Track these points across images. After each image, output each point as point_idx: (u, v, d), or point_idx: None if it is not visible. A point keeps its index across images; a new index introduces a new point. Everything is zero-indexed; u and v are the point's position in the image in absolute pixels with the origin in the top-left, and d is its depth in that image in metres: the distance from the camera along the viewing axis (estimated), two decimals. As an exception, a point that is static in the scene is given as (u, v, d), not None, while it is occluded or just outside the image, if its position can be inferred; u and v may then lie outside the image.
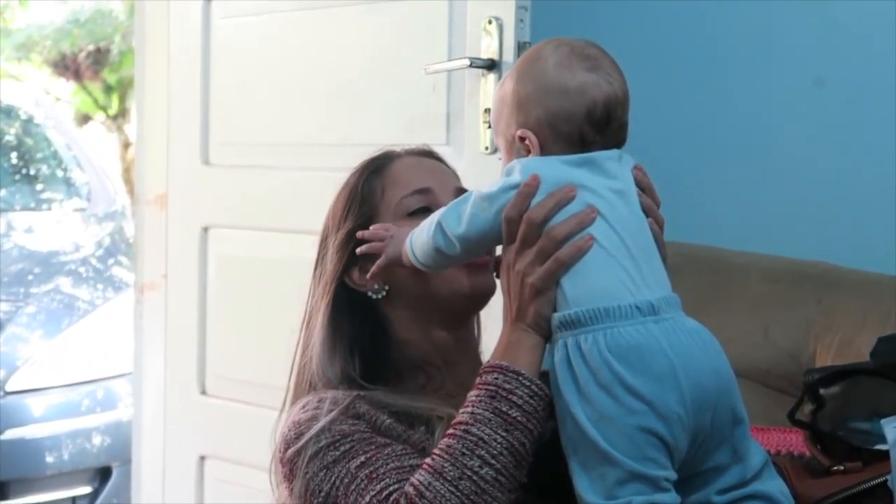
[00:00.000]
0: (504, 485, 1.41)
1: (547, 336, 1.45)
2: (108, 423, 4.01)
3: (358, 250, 1.61)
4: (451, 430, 1.43)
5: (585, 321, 1.40)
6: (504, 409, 1.42)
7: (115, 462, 3.96)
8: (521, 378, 1.43)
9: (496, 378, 1.44)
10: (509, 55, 2.30)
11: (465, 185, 2.14)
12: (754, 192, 2.70)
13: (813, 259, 2.39)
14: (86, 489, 3.98)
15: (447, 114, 2.41)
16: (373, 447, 1.50)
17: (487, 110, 2.32)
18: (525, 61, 1.51)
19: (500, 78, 2.31)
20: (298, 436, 1.54)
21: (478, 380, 1.46)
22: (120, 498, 3.85)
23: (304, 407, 1.60)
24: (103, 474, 4.00)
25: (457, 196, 1.64)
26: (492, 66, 2.31)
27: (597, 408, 1.38)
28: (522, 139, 1.48)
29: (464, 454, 1.40)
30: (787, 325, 2.23)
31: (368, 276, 1.62)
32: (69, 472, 3.93)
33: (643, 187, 1.49)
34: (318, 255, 1.71)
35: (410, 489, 1.41)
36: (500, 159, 1.55)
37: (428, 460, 1.43)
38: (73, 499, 3.96)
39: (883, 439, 1.64)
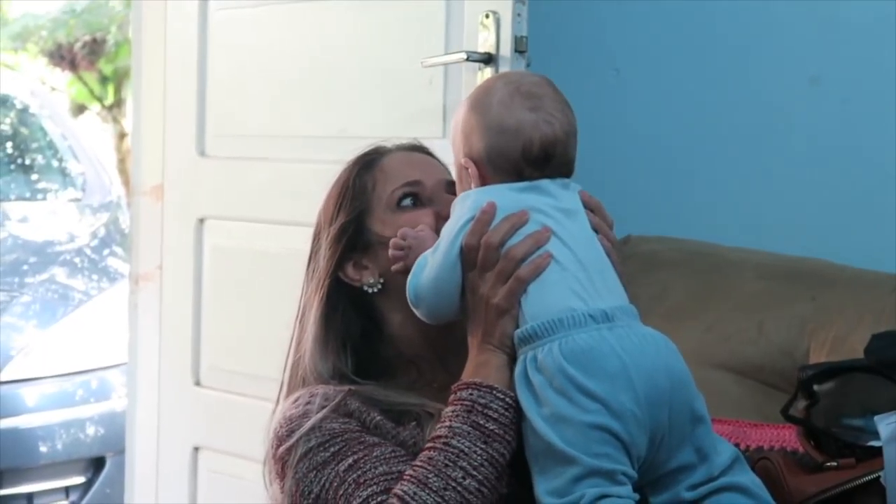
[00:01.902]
0: (486, 496, 1.43)
1: (513, 355, 1.48)
2: (102, 414, 4.01)
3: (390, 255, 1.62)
4: (429, 444, 1.46)
5: (542, 334, 1.44)
6: (481, 422, 1.45)
7: (109, 452, 3.96)
8: (494, 392, 1.46)
9: (471, 394, 1.46)
10: (506, 49, 2.30)
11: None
12: (750, 189, 2.70)
13: (808, 256, 2.39)
14: (79, 479, 3.98)
15: (444, 107, 2.41)
16: (362, 448, 1.51)
17: (484, 104, 2.32)
18: (477, 92, 1.56)
19: (496, 72, 2.31)
20: (290, 433, 1.56)
21: (452, 397, 1.48)
22: (113, 488, 3.85)
23: (295, 402, 1.60)
24: (97, 464, 4.00)
25: (446, 189, 1.68)
26: (489, 60, 2.31)
27: (553, 410, 1.41)
28: (465, 168, 1.53)
29: (447, 465, 1.43)
30: (781, 321, 2.23)
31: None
32: (63, 462, 3.93)
33: (592, 208, 1.53)
34: (312, 250, 1.72)
35: (394, 500, 1.43)
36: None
37: (409, 471, 1.44)
38: (67, 489, 3.96)
39: (876, 436, 1.64)
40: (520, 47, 2.29)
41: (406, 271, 1.57)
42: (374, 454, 1.50)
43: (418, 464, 1.44)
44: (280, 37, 2.76)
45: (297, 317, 1.72)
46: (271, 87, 2.78)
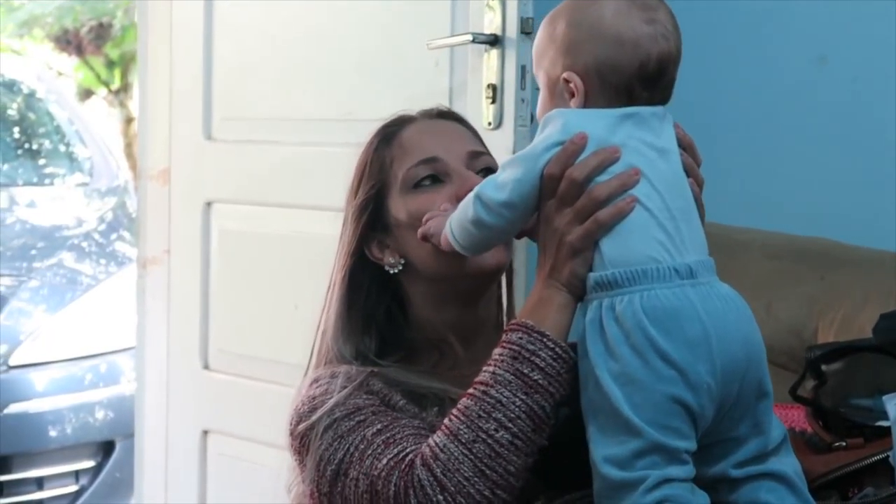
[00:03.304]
0: (521, 448, 1.38)
1: (580, 296, 1.41)
2: (110, 398, 4.02)
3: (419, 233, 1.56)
4: (470, 390, 1.41)
5: (622, 283, 1.36)
6: (525, 370, 1.39)
7: (118, 436, 3.97)
8: (545, 339, 1.40)
9: (520, 338, 1.41)
10: (512, 31, 2.30)
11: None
12: (757, 169, 2.69)
13: (816, 236, 2.38)
14: (89, 463, 3.99)
15: (450, 89, 2.41)
16: (388, 418, 1.49)
17: (490, 86, 2.31)
18: (580, 3, 1.44)
19: (502, 53, 2.30)
20: (312, 410, 1.54)
21: (503, 336, 1.43)
22: (123, 472, 3.86)
23: (317, 381, 1.59)
24: (106, 448, 4.01)
25: (468, 160, 1.64)
26: (494, 41, 2.31)
27: (626, 370, 1.34)
28: (567, 82, 1.42)
29: (480, 416, 1.38)
30: (789, 301, 2.23)
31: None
32: (72, 446, 3.94)
33: (684, 146, 1.45)
34: (342, 227, 1.69)
35: (426, 450, 1.40)
36: (538, 89, 1.48)
37: (446, 421, 1.41)
38: (76, 473, 3.97)
39: (885, 415, 1.64)
40: (526, 28, 2.28)
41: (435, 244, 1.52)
42: (402, 422, 1.49)
43: (454, 413, 1.41)
44: (286, 20, 2.76)
45: (327, 293, 1.68)
46: (277, 70, 2.78)
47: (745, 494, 1.41)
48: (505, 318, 1.73)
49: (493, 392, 1.39)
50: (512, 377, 1.39)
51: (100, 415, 4.00)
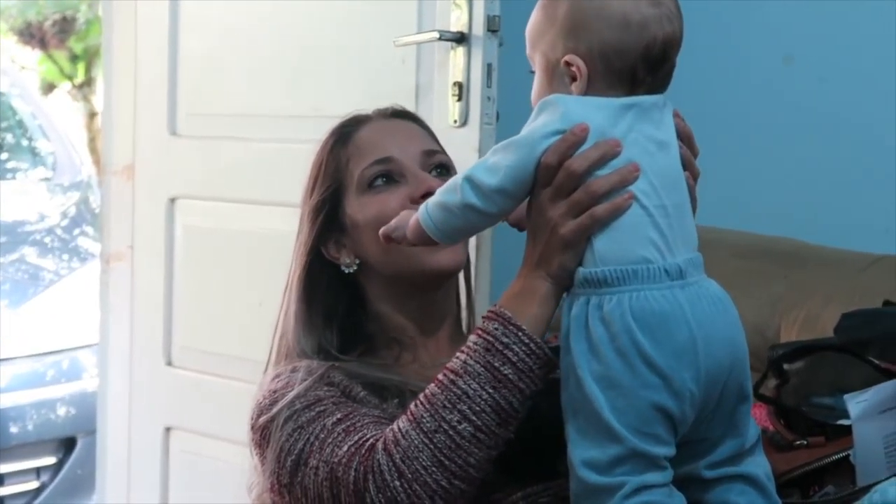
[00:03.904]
0: (483, 442, 1.37)
1: (566, 287, 1.38)
2: (73, 394, 3.99)
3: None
4: (440, 376, 1.40)
5: (612, 281, 1.33)
6: (497, 364, 1.37)
7: (80, 433, 3.94)
8: (520, 333, 1.37)
9: (496, 328, 1.38)
10: (479, 28, 2.29)
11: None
12: (724, 168, 2.70)
13: (782, 236, 2.40)
14: (50, 460, 3.96)
15: (416, 86, 2.41)
16: (349, 408, 1.49)
17: (456, 83, 2.31)
18: None
19: (469, 51, 2.30)
20: (273, 403, 1.53)
21: (480, 323, 1.41)
22: (84, 469, 3.84)
23: (278, 376, 1.59)
24: (68, 445, 3.99)
25: (422, 159, 1.64)
26: (461, 39, 2.30)
27: (609, 373, 1.32)
28: (569, 65, 1.37)
29: (444, 406, 1.37)
30: (754, 300, 2.23)
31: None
32: (33, 442, 3.92)
33: (683, 137, 1.42)
34: (299, 225, 1.70)
35: (389, 434, 1.39)
36: (532, 72, 1.44)
37: (412, 406, 1.41)
38: (38, 469, 3.95)
39: (846, 414, 1.65)
40: (492, 27, 2.28)
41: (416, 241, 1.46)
42: (362, 411, 1.48)
43: (421, 399, 1.40)
44: (252, 15, 2.74)
45: (285, 292, 1.69)
46: (243, 65, 2.77)
47: (716, 496, 1.40)
48: (465, 313, 1.74)
49: (460, 382, 1.38)
50: (482, 369, 1.37)
51: (61, 411, 3.97)
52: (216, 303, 2.83)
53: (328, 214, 1.65)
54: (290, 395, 1.52)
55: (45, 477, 3.96)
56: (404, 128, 1.71)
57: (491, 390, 1.37)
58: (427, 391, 1.40)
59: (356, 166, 1.64)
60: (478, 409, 1.37)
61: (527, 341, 1.38)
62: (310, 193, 1.67)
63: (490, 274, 2.25)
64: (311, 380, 1.54)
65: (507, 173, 1.36)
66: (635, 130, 1.37)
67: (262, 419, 1.54)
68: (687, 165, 1.42)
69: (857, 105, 2.54)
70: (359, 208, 1.63)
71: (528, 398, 1.39)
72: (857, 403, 1.63)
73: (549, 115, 1.37)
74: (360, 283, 1.66)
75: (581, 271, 1.36)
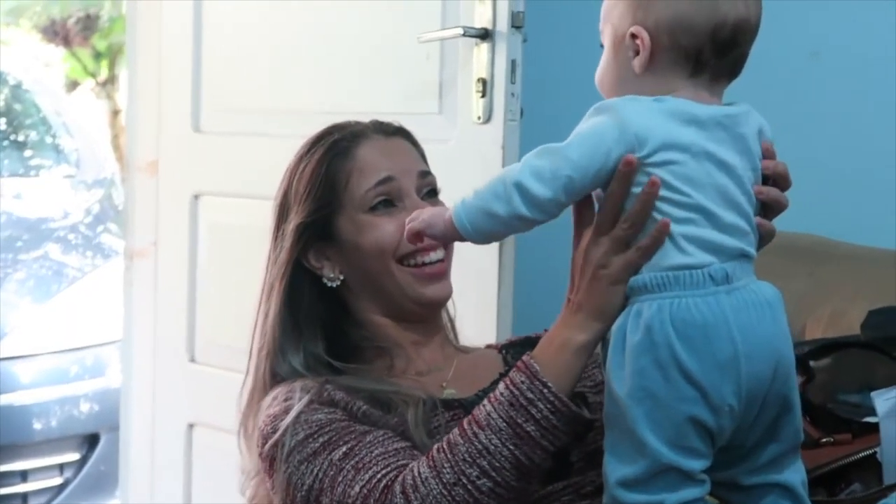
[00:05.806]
0: (501, 496, 1.36)
1: (612, 322, 1.34)
2: (96, 391, 4.00)
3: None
4: (465, 425, 1.38)
5: (651, 287, 1.31)
6: (520, 420, 1.35)
7: (103, 429, 3.96)
8: (545, 390, 1.35)
9: (522, 382, 1.36)
10: (503, 24, 2.29)
11: (458, 154, 2.14)
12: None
13: (806, 232, 2.38)
14: (74, 456, 3.98)
15: (440, 83, 2.40)
16: (353, 436, 1.47)
17: (480, 80, 2.31)
18: None
19: (493, 47, 2.30)
20: (275, 429, 1.52)
21: (510, 372, 1.38)
22: (108, 465, 3.85)
23: (275, 398, 1.57)
24: (91, 441, 4.00)
25: (418, 181, 1.63)
26: (485, 35, 2.30)
27: (645, 383, 1.29)
28: (634, 37, 1.34)
29: (465, 460, 1.36)
30: (778, 297, 2.22)
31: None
32: (57, 438, 3.93)
33: (773, 175, 1.39)
34: (277, 226, 1.66)
35: (409, 476, 1.38)
36: (602, 46, 1.40)
37: (434, 451, 1.39)
38: (61, 465, 3.96)
39: (872, 412, 1.64)
40: (516, 22, 2.28)
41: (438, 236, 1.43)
42: (367, 440, 1.46)
43: (444, 445, 1.38)
44: (276, 11, 2.74)
45: (261, 299, 1.66)
46: (267, 62, 2.77)
47: (750, 503, 1.38)
48: (449, 326, 1.72)
49: (482, 436, 1.36)
50: (504, 424, 1.35)
51: (85, 407, 3.98)
52: (239, 299, 2.81)
53: (318, 228, 1.63)
54: (290, 417, 1.50)
55: (68, 473, 3.97)
56: (404, 148, 1.69)
57: (512, 447, 1.35)
58: (451, 437, 1.39)
59: (358, 186, 1.62)
60: (498, 465, 1.35)
61: (552, 399, 1.35)
62: (303, 202, 1.64)
63: (514, 262, 2.23)
64: (309, 396, 1.52)
65: (566, 188, 1.32)
66: (697, 145, 1.32)
67: (268, 447, 1.52)
68: (772, 203, 1.40)
69: (883, 101, 2.53)
70: (355, 228, 1.62)
71: (549, 455, 1.37)
72: (884, 401, 1.62)
73: (606, 122, 1.32)
74: (343, 294, 1.64)
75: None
